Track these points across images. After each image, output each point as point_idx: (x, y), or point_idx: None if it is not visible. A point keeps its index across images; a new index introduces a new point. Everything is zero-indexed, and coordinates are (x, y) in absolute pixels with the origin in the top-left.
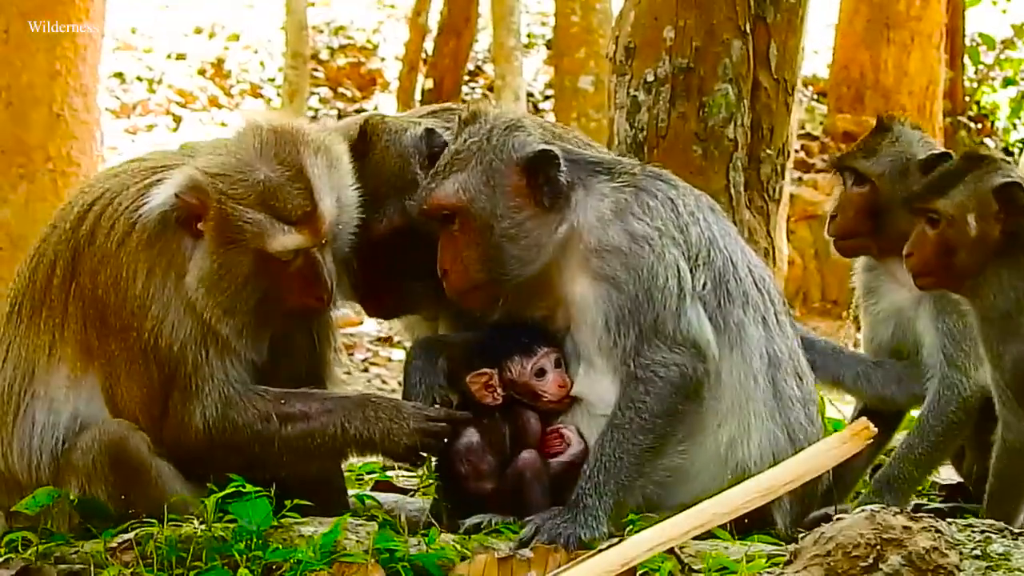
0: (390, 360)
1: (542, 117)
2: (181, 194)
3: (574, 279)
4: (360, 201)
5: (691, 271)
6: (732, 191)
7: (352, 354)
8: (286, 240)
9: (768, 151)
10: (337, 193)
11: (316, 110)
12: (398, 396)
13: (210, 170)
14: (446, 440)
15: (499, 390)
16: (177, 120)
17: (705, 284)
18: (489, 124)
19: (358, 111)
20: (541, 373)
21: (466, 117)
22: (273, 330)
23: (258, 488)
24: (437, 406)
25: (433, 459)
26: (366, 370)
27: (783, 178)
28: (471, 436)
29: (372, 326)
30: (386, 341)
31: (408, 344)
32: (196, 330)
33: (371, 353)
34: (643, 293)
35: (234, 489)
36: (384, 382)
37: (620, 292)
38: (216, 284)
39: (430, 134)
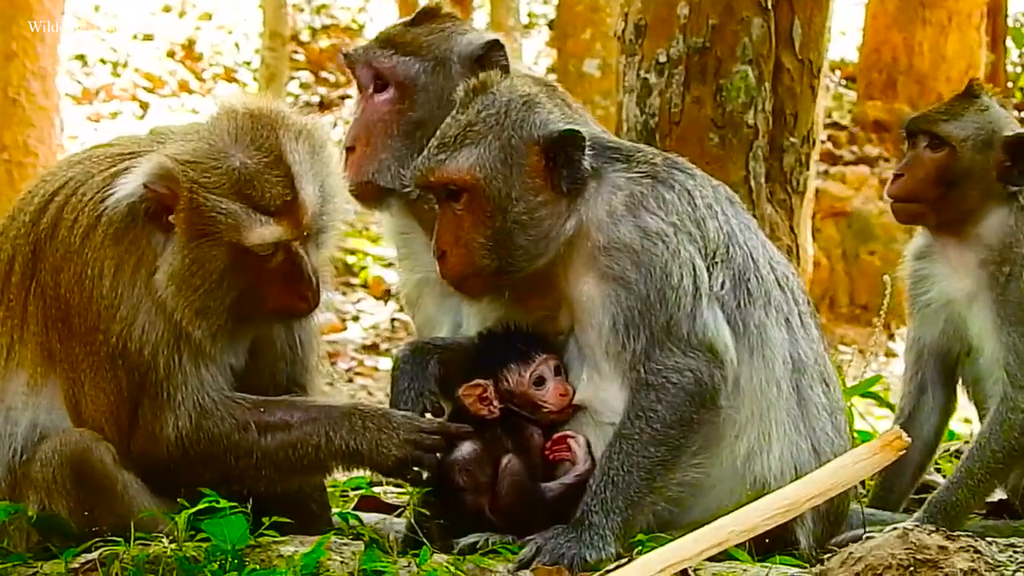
0: (376, 370)
1: None
2: (150, 183)
3: (579, 278)
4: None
5: (708, 269)
6: (752, 183)
7: (335, 363)
8: (264, 232)
9: (792, 139)
10: (321, 181)
11: (296, 96)
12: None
13: (181, 157)
14: (439, 454)
15: (495, 402)
16: (144, 106)
17: (723, 283)
18: (505, 96)
19: (342, 98)
20: (540, 382)
21: (475, 86)
22: (251, 333)
23: (233, 504)
24: (428, 416)
25: (424, 474)
26: (351, 381)
27: (808, 169)
28: (470, 446)
29: (357, 332)
30: (372, 349)
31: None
32: (168, 333)
33: (356, 362)
34: (655, 293)
35: (207, 504)
36: (370, 393)
37: (630, 292)
38: (188, 282)
39: None
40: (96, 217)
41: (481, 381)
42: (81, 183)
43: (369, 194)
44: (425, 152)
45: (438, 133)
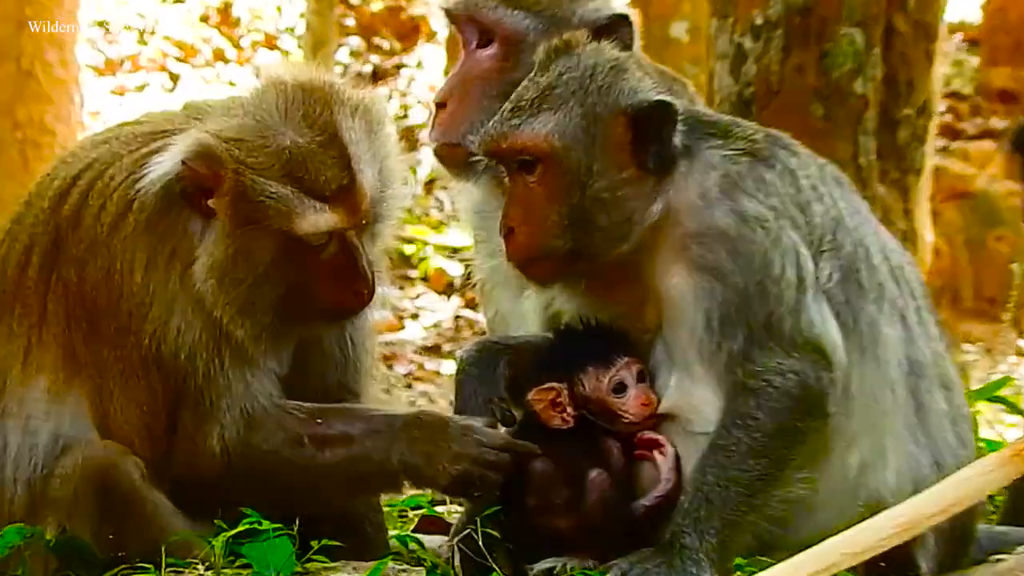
0: (439, 374)
1: None
2: (189, 162)
3: (668, 269)
4: None
5: (813, 258)
6: (861, 160)
7: (392, 366)
8: (317, 220)
9: (906, 111)
10: (380, 163)
11: (345, 66)
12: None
13: (224, 134)
14: (504, 472)
15: (569, 409)
16: (174, 78)
17: (830, 274)
18: (590, 59)
19: (398, 67)
20: (620, 388)
21: (557, 46)
22: (297, 336)
23: (277, 525)
24: (497, 432)
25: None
26: (409, 386)
27: (925, 144)
28: (542, 463)
29: (416, 332)
30: (433, 351)
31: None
32: (206, 334)
33: (415, 366)
34: (754, 285)
35: (248, 526)
36: (432, 400)
37: (726, 285)
38: (230, 275)
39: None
40: (126, 203)
41: (555, 384)
42: (108, 165)
43: (455, 158)
44: (498, 116)
45: (513, 96)
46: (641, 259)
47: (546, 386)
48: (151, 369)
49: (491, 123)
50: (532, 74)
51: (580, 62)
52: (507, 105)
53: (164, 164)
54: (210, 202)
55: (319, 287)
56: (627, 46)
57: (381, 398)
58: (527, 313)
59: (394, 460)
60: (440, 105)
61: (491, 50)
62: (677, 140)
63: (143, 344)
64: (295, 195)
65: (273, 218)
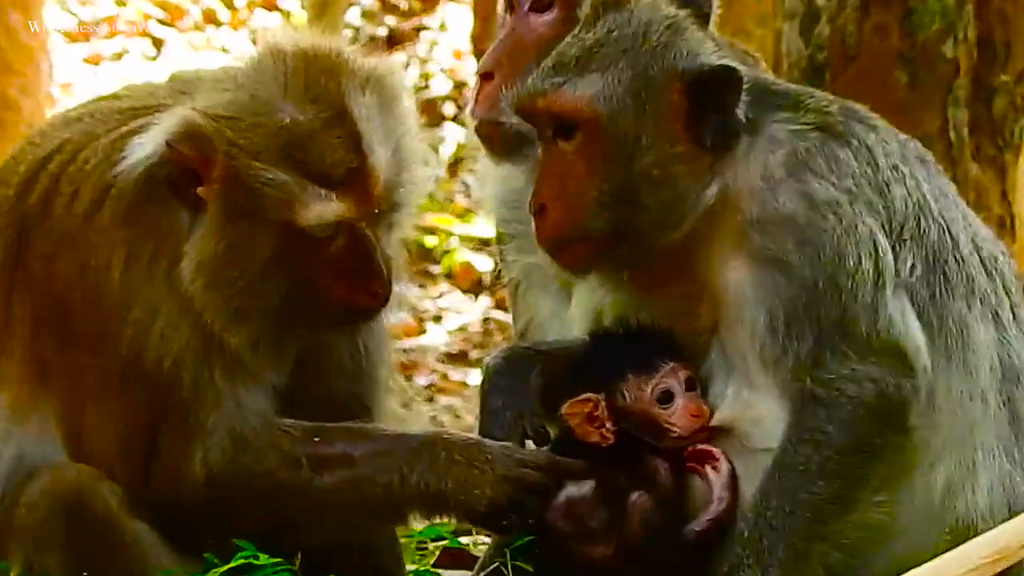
0: (465, 385)
1: None
2: (174, 143)
3: (726, 261)
4: None
5: (893, 248)
6: (952, 135)
7: (411, 377)
8: (324, 210)
9: (1003, 77)
10: (395, 143)
11: (356, 29)
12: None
13: (215, 111)
14: (546, 495)
15: (608, 424)
16: (157, 44)
17: (913, 266)
18: (645, 16)
19: (417, 30)
20: (666, 398)
21: (607, 0)
22: (302, 342)
23: (277, 560)
24: (536, 450)
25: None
26: (431, 399)
27: None
28: (579, 483)
29: (439, 336)
30: (459, 358)
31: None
32: (195, 340)
33: (438, 375)
34: (825, 280)
35: (243, 562)
36: (457, 416)
37: (792, 279)
38: (222, 274)
39: None
40: (103, 190)
41: (591, 396)
42: (81, 146)
43: (499, 139)
44: (536, 72)
45: (555, 52)
46: (694, 249)
47: (581, 398)
48: (130, 380)
49: (528, 79)
50: (577, 30)
51: (632, 18)
52: (547, 61)
53: (146, 146)
54: (199, 190)
55: (326, 287)
56: (704, 17)
57: (399, 414)
58: (572, 321)
59: (410, 485)
60: (485, 76)
61: (549, 15)
62: (741, 112)
63: (121, 352)
64: (296, 181)
65: (271, 208)
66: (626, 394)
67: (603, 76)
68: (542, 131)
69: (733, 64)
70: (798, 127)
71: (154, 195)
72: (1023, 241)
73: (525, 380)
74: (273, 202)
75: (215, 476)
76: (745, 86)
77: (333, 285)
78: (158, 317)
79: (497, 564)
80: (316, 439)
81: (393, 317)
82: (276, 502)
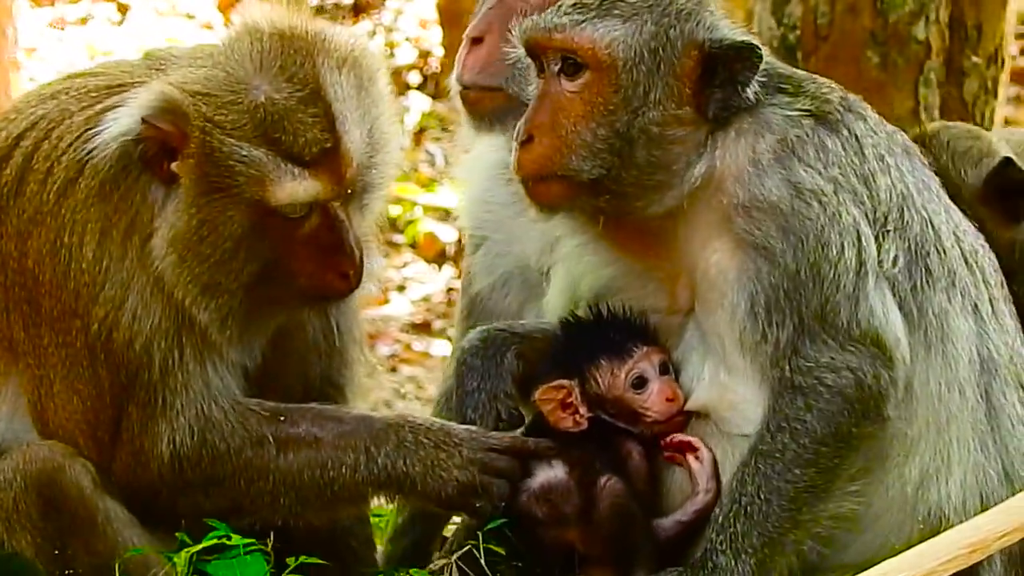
0: (428, 355)
1: None
2: (150, 118)
3: (708, 242)
4: None
5: (876, 239)
6: (923, 116)
7: (374, 346)
8: (296, 189)
9: (975, 59)
10: (370, 124)
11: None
12: (443, 390)
13: (190, 87)
14: (514, 479)
15: (582, 410)
16: (123, 9)
17: (895, 258)
18: None
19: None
20: (640, 383)
21: None
22: (273, 323)
23: (249, 539)
24: (502, 430)
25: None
26: (394, 370)
27: (996, 98)
28: (553, 468)
29: (403, 306)
30: (422, 328)
31: (455, 331)
32: (167, 320)
33: (400, 345)
34: (807, 268)
35: (215, 541)
36: (420, 386)
37: (774, 266)
38: (194, 250)
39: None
40: (77, 167)
41: (564, 382)
42: (56, 123)
43: (488, 106)
44: (554, 8)
45: None
46: (677, 227)
47: (554, 384)
48: (98, 357)
49: (545, 13)
50: None
51: None
52: (567, 0)
53: (121, 121)
54: (173, 165)
55: (298, 266)
56: None
57: (368, 391)
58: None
59: (376, 466)
60: (475, 40)
61: None
62: (750, 92)
63: (91, 329)
64: (270, 159)
65: (244, 185)
66: (600, 379)
67: (625, 24)
68: (546, 64)
69: (756, 43)
70: (792, 112)
71: (128, 170)
72: None
73: (500, 362)
74: (246, 179)
75: (180, 456)
76: (763, 68)
77: (304, 264)
78: (130, 295)
79: (469, 547)
80: (282, 419)
81: (363, 294)
82: (241, 481)
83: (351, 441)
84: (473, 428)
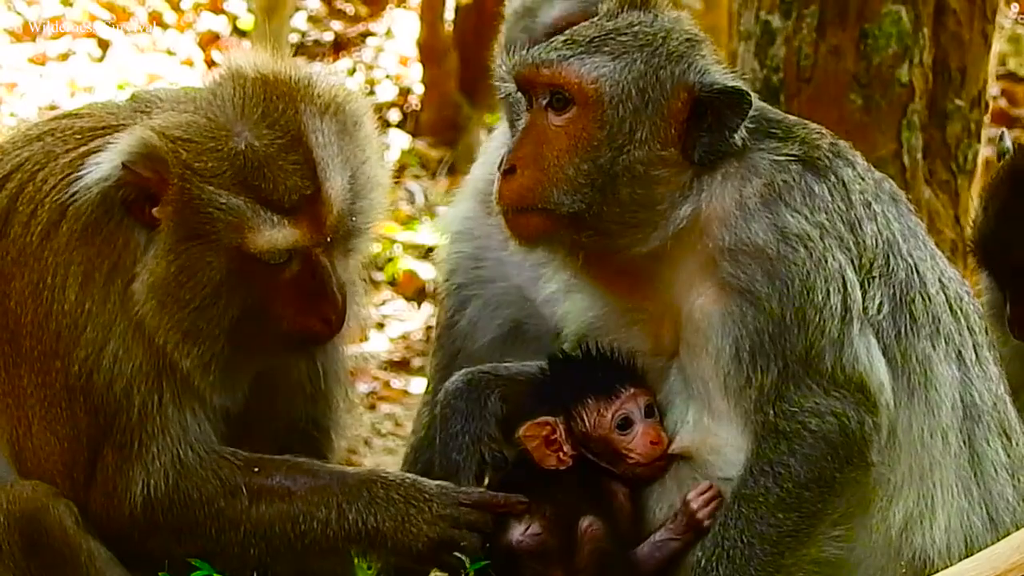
0: (407, 393)
1: None
2: (130, 163)
3: (693, 286)
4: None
5: (862, 285)
6: (906, 159)
7: (353, 384)
8: (275, 236)
9: (958, 101)
10: (353, 170)
11: (303, 33)
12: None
13: (171, 132)
14: (487, 533)
15: (567, 448)
16: (103, 45)
17: (880, 304)
18: (668, 24)
19: (363, 36)
20: (625, 424)
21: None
22: (254, 368)
23: None
24: (474, 487)
25: (466, 561)
26: (373, 407)
27: (979, 141)
28: (531, 525)
29: (381, 344)
30: (401, 366)
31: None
32: (147, 364)
33: (380, 383)
34: (792, 313)
35: None
36: (398, 423)
37: (759, 311)
38: (174, 295)
39: None
40: (60, 210)
41: (549, 419)
42: (40, 166)
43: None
44: (545, 43)
45: (570, 31)
46: (661, 270)
47: (539, 420)
48: (77, 400)
49: (535, 48)
50: (597, 17)
51: (656, 21)
52: (559, 36)
53: (102, 166)
54: (154, 210)
55: (280, 311)
56: None
57: (353, 435)
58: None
59: (347, 522)
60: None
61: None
62: (737, 138)
63: (71, 371)
64: (249, 206)
65: (223, 232)
66: (585, 418)
67: (614, 61)
68: (534, 97)
69: (745, 88)
70: (780, 157)
71: (111, 215)
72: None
73: (484, 405)
74: (224, 226)
75: (153, 500)
76: (752, 114)
77: (286, 309)
78: (111, 338)
79: None
80: (256, 470)
81: (347, 336)
82: (212, 529)
83: (324, 496)
84: (444, 483)
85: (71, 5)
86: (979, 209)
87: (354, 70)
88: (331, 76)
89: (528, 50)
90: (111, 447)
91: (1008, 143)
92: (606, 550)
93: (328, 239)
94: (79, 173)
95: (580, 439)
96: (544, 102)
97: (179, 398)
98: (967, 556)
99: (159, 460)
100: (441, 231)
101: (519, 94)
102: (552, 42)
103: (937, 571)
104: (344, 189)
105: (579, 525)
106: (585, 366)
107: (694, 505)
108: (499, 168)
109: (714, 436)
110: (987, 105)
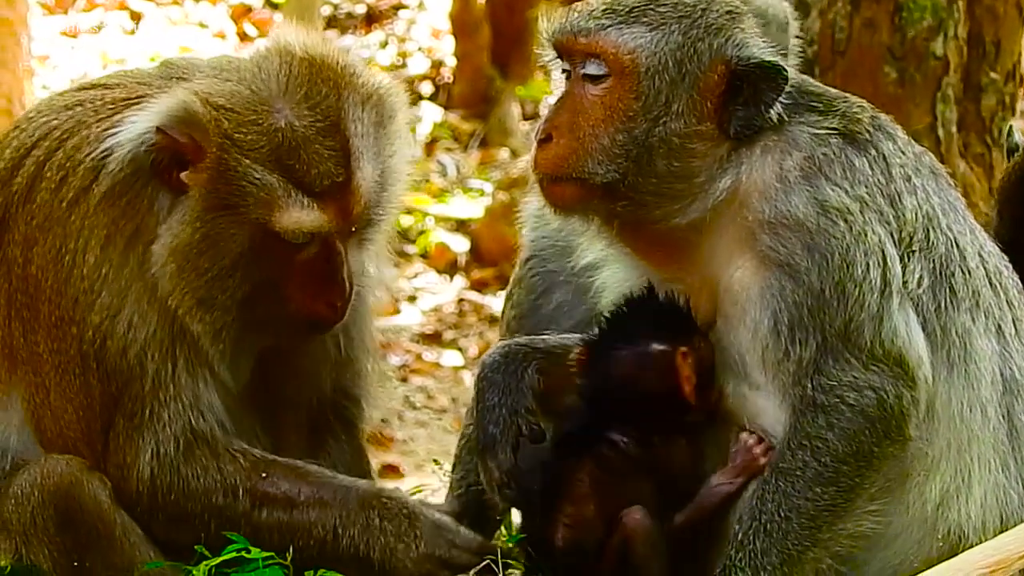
0: (439, 366)
1: None
2: (166, 127)
3: (731, 259)
4: None
5: (901, 259)
6: (940, 132)
7: (385, 357)
8: (302, 218)
9: (992, 75)
10: (384, 162)
11: (335, 6)
12: (450, 418)
13: (214, 100)
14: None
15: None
16: (136, 17)
17: (920, 278)
18: None
19: (395, 8)
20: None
21: None
22: (256, 347)
23: (268, 554)
24: (471, 533)
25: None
26: (404, 380)
27: (1014, 114)
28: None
29: (414, 317)
30: (433, 339)
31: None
32: (162, 330)
33: (411, 356)
34: (832, 287)
35: (234, 554)
36: (430, 396)
37: (799, 284)
38: (194, 262)
39: None
40: (93, 175)
41: (684, 348)
42: (70, 134)
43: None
44: (582, 9)
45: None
46: (700, 240)
47: (683, 350)
48: (91, 367)
49: (574, 15)
50: None
51: None
52: (599, 3)
53: (137, 125)
54: (183, 175)
55: (290, 291)
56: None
57: (384, 404)
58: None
59: (340, 545)
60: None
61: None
62: (774, 113)
63: (85, 336)
64: (281, 185)
65: (252, 206)
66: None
67: (652, 32)
68: (571, 66)
69: (782, 64)
70: (820, 131)
71: (139, 176)
72: None
73: (521, 377)
74: (255, 201)
75: (155, 477)
76: (788, 89)
77: (295, 291)
78: (127, 304)
79: (487, 562)
80: (263, 474)
81: (373, 300)
82: (212, 524)
83: (323, 514)
84: (446, 520)
85: None
86: (994, 213)
87: (386, 43)
88: (363, 50)
89: (567, 18)
90: (122, 415)
91: (1018, 138)
92: (648, 543)
93: (351, 228)
94: (113, 132)
95: (697, 367)
96: (581, 70)
97: (192, 366)
98: (1003, 531)
99: (170, 427)
100: (526, 216)
101: (557, 61)
102: (592, 10)
103: (972, 546)
104: (372, 180)
105: (623, 517)
106: (668, 304)
107: (750, 441)
108: (534, 136)
109: (751, 406)
110: (1022, 78)
